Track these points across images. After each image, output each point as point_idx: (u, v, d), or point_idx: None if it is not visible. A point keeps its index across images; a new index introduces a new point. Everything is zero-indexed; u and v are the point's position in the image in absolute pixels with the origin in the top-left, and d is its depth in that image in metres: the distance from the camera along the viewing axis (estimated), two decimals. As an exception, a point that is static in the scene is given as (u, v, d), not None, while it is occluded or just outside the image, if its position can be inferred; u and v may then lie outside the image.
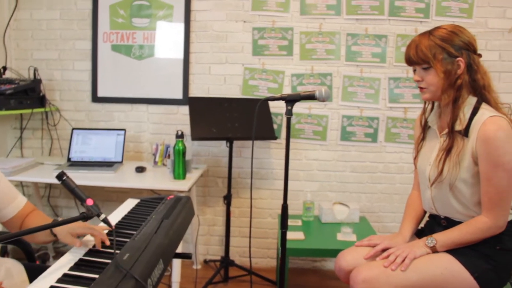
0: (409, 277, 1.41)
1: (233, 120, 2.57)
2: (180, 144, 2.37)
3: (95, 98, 2.96)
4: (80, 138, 2.74)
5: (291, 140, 2.79)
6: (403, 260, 1.44)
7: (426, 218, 1.71)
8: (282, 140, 2.86)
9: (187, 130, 2.60)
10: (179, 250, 1.45)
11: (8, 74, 2.85)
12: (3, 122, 2.97)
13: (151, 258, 1.08)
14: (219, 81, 2.89)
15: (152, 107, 2.94)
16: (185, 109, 2.86)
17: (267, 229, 2.97)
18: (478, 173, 1.42)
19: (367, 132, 2.84)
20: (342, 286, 2.52)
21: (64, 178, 1.21)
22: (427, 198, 1.59)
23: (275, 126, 2.82)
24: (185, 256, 1.61)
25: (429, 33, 1.48)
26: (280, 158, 2.90)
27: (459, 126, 1.45)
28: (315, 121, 2.86)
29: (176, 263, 2.28)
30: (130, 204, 1.61)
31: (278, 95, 1.66)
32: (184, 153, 2.38)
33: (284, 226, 1.69)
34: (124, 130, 2.77)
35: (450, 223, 1.53)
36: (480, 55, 1.48)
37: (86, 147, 2.73)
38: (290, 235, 2.27)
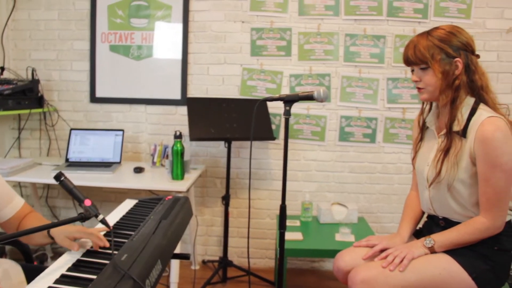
0: (407, 278, 1.42)
1: (231, 120, 2.57)
2: (178, 145, 2.37)
3: (93, 99, 2.96)
4: (78, 139, 2.74)
5: (290, 140, 2.79)
6: (402, 261, 1.44)
7: (424, 218, 1.71)
8: (280, 140, 2.86)
9: (185, 130, 2.61)
10: (177, 250, 1.45)
11: (6, 75, 2.85)
12: (1, 123, 2.97)
13: (149, 258, 1.07)
14: (218, 81, 2.89)
15: (150, 107, 2.94)
16: (183, 110, 2.85)
17: (266, 229, 2.97)
18: (476, 174, 1.42)
19: (365, 133, 2.85)
20: (340, 287, 2.52)
21: (62, 178, 1.21)
22: (425, 198, 1.59)
23: (273, 127, 2.82)
24: (183, 256, 1.61)
25: (427, 33, 1.48)
26: (279, 159, 2.90)
27: (457, 127, 1.45)
28: (314, 122, 2.86)
29: (175, 263, 2.27)
30: (128, 204, 1.61)
31: (277, 95, 1.66)
32: (182, 154, 2.38)
33: (282, 226, 1.69)
34: (122, 130, 2.76)
35: (448, 223, 1.53)
36: (478, 56, 1.48)
37: (84, 147, 2.72)
38: (288, 235, 2.28)
